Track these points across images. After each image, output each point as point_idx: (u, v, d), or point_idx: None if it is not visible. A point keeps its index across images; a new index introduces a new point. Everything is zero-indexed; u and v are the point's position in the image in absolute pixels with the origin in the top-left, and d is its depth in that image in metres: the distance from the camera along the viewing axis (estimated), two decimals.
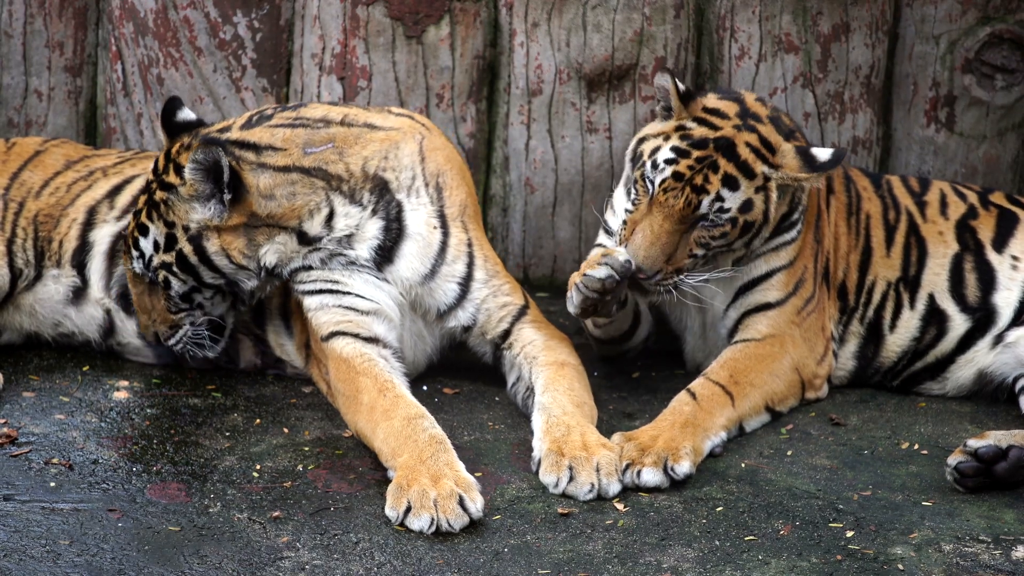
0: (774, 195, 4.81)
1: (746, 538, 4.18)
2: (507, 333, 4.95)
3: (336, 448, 4.64)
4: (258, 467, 4.51)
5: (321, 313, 4.82)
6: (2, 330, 5.21)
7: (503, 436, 4.76)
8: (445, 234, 4.90)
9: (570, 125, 5.89)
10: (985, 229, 5.22)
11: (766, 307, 4.98)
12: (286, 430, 4.76)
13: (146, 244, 4.83)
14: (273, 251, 4.79)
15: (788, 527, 4.23)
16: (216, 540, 4.11)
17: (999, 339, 5.08)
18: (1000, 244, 5.19)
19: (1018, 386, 5.02)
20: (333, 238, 4.81)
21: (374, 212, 4.84)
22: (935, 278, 5.17)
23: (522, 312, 4.97)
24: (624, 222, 4.83)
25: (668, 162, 4.77)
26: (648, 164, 4.81)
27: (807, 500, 4.39)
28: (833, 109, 5.84)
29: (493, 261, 4.97)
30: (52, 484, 4.35)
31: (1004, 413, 5.03)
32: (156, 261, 4.83)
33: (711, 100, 4.93)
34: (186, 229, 4.77)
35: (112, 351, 5.21)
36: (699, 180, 4.74)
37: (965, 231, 5.22)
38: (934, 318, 5.15)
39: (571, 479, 4.39)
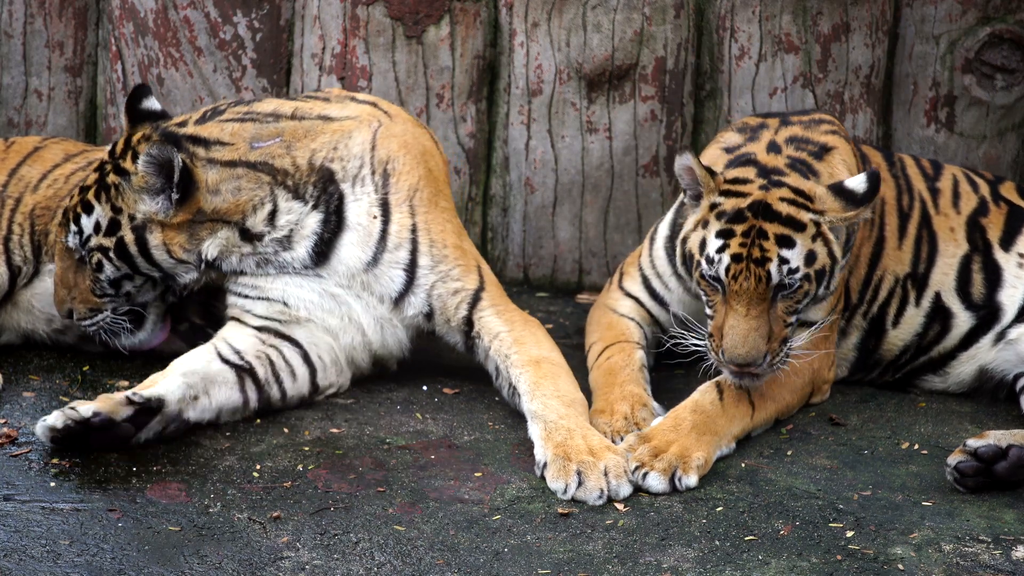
0: (832, 236, 4.66)
1: (746, 538, 4.17)
2: (469, 320, 4.91)
3: (336, 448, 4.64)
4: (258, 467, 4.50)
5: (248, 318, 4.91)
6: (1, 330, 5.20)
7: (503, 436, 4.75)
8: (385, 222, 4.87)
9: (570, 125, 5.89)
10: (994, 228, 5.18)
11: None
12: (286, 430, 4.76)
13: (87, 222, 4.84)
14: (215, 245, 4.81)
15: (788, 527, 4.23)
16: (216, 540, 4.10)
17: (1001, 336, 5.07)
18: (1008, 242, 5.17)
19: (1018, 385, 5.01)
20: (275, 238, 4.83)
21: (315, 206, 4.84)
22: (943, 277, 5.14)
23: (477, 296, 4.91)
24: (710, 334, 4.64)
25: (720, 249, 4.61)
26: (703, 263, 4.65)
27: (807, 500, 4.39)
28: (833, 109, 5.83)
29: (442, 245, 4.90)
30: (52, 484, 4.34)
31: (1004, 412, 5.03)
32: (94, 242, 4.84)
33: (728, 173, 4.78)
34: (132, 218, 4.79)
35: (106, 345, 5.22)
36: (756, 253, 4.58)
37: (975, 230, 5.18)
38: (938, 316, 5.13)
39: (580, 484, 4.37)
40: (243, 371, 4.74)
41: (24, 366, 5.12)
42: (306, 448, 4.64)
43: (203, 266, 4.84)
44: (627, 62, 5.81)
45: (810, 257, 4.62)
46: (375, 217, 4.86)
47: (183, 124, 4.86)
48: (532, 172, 5.96)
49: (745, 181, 4.72)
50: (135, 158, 4.77)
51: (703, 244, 4.67)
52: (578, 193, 5.95)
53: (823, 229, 4.64)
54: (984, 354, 5.10)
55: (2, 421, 4.69)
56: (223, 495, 4.34)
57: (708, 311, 4.70)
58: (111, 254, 4.82)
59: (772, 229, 4.60)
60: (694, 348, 4.73)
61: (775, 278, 4.58)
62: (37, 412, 4.77)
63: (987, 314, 5.11)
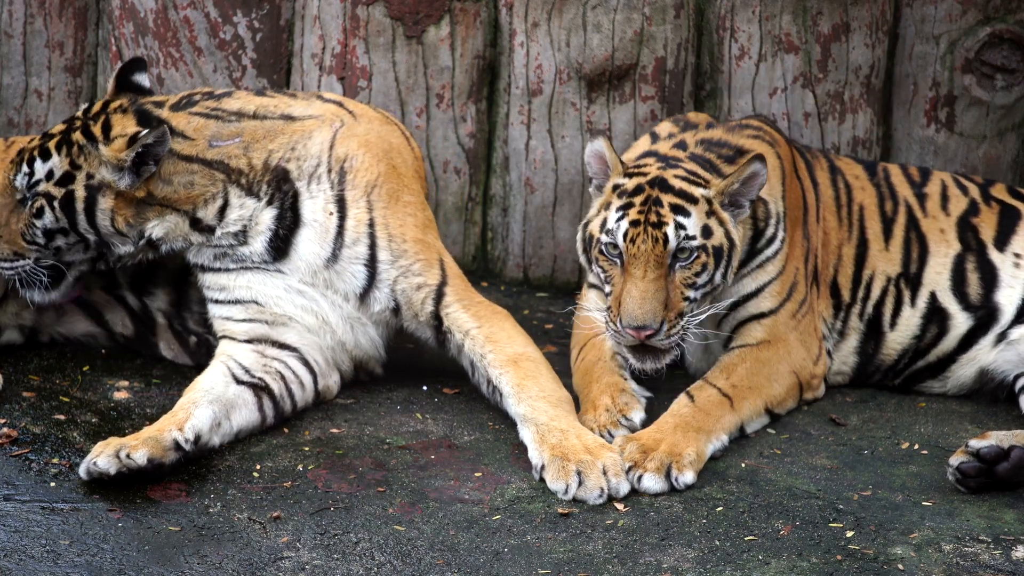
0: (725, 215, 4.77)
1: (746, 538, 4.18)
2: (437, 315, 4.90)
3: (336, 448, 4.64)
4: (258, 467, 4.51)
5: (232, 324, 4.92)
6: (2, 329, 5.20)
7: (503, 436, 4.75)
8: (342, 217, 4.87)
9: (570, 125, 5.89)
10: (987, 227, 5.21)
11: (760, 316, 4.97)
12: (286, 430, 4.76)
13: (40, 167, 4.83)
14: (162, 227, 4.82)
15: (788, 527, 4.23)
16: (216, 540, 4.10)
17: (1002, 336, 5.08)
18: (1002, 242, 5.19)
19: (1018, 385, 5.02)
20: (228, 232, 4.84)
21: (269, 202, 4.86)
22: (937, 277, 5.16)
23: (441, 291, 4.89)
24: (608, 307, 4.74)
25: (619, 219, 4.73)
26: (603, 236, 4.76)
27: (807, 500, 4.39)
28: (833, 109, 5.84)
29: (401, 239, 4.90)
30: (52, 484, 4.35)
31: (1004, 413, 5.03)
32: (42, 188, 4.82)
33: (631, 161, 4.96)
34: (89, 176, 4.78)
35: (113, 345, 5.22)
36: (653, 218, 4.69)
37: (967, 229, 5.21)
38: (936, 316, 5.14)
39: (580, 484, 4.37)
40: (260, 390, 4.73)
41: (24, 366, 5.12)
42: (306, 448, 4.63)
43: (141, 242, 4.84)
44: (627, 62, 5.81)
45: (706, 231, 4.73)
46: (331, 213, 4.87)
47: (160, 105, 4.88)
48: (532, 172, 5.96)
49: (645, 166, 4.88)
50: (105, 129, 4.79)
51: (604, 221, 4.79)
52: (578, 193, 5.95)
53: (715, 207, 4.76)
54: (984, 355, 5.10)
55: (2, 421, 4.69)
56: (223, 495, 4.34)
57: (607, 288, 4.78)
58: (55, 203, 4.80)
59: (667, 199, 4.74)
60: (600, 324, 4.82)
61: (672, 241, 4.68)
62: (37, 412, 4.77)
63: (985, 315, 5.12)
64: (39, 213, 4.82)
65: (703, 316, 4.75)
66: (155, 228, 4.82)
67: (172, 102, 4.90)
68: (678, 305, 4.68)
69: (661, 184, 4.76)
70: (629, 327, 4.63)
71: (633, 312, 4.63)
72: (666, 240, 4.67)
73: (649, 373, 4.78)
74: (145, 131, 4.71)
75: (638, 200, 4.74)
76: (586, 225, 4.88)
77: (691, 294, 4.71)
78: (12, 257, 4.88)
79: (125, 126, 4.79)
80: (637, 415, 4.72)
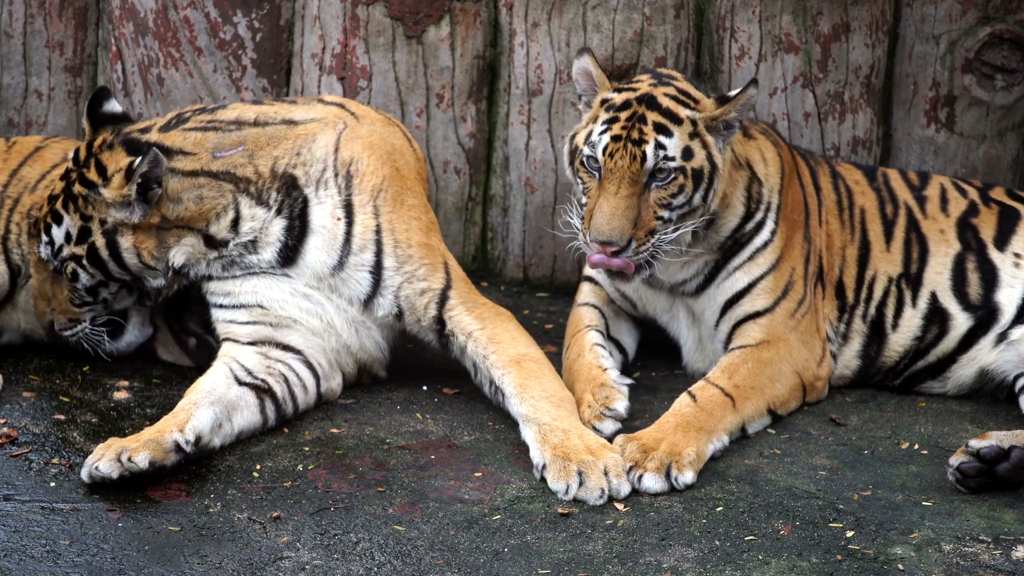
0: (710, 138, 4.79)
1: (746, 538, 4.18)
2: (440, 319, 4.90)
3: (336, 448, 4.64)
4: (258, 467, 4.51)
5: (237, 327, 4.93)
6: (2, 330, 5.21)
7: (503, 436, 4.75)
8: (349, 223, 4.87)
9: (570, 125, 5.88)
10: (987, 227, 5.22)
11: (756, 315, 4.97)
12: (286, 430, 4.76)
13: (58, 233, 4.85)
14: (182, 253, 4.83)
15: (788, 527, 4.23)
16: (216, 540, 4.11)
17: (1003, 337, 5.08)
18: (1002, 242, 5.19)
19: (1018, 385, 5.02)
20: (239, 243, 4.84)
21: (279, 212, 4.85)
22: (937, 277, 5.17)
23: (445, 295, 4.89)
24: (582, 218, 4.79)
25: (602, 132, 4.77)
26: (586, 148, 4.80)
27: (807, 500, 4.39)
28: (833, 109, 5.84)
29: (406, 245, 4.90)
30: (52, 484, 4.35)
31: (1004, 413, 5.03)
32: (66, 252, 4.85)
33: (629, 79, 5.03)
34: (102, 223, 4.79)
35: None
36: (635, 134, 4.73)
37: (967, 230, 5.22)
38: (936, 317, 5.15)
39: (581, 484, 4.37)
40: (262, 391, 4.73)
41: (24, 366, 5.13)
42: (306, 448, 4.64)
43: (170, 273, 4.85)
44: (627, 62, 5.81)
45: (687, 152, 4.76)
46: (339, 219, 4.87)
47: (146, 130, 4.86)
48: (532, 172, 5.96)
49: (638, 81, 4.93)
50: (100, 169, 4.78)
51: (589, 133, 4.83)
52: None
53: (700, 129, 4.79)
54: (984, 356, 5.10)
55: (2, 421, 4.69)
56: (223, 495, 4.34)
57: (583, 200, 4.83)
58: (84, 261, 4.83)
59: (652, 117, 4.77)
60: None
61: (650, 160, 4.72)
62: (37, 412, 4.77)
63: (985, 315, 5.12)
64: (74, 276, 4.87)
65: (675, 235, 4.79)
66: (175, 255, 4.82)
67: (160, 124, 4.88)
68: (649, 224, 4.73)
69: (649, 101, 4.80)
70: (595, 241, 4.69)
71: (601, 227, 4.68)
72: (644, 158, 4.72)
73: (618, 288, 5.03)
74: (137, 160, 4.70)
75: (623, 116, 4.78)
76: (572, 137, 4.92)
77: (665, 214, 4.75)
78: (69, 325, 4.96)
79: (118, 161, 4.78)
80: (620, 404, 4.75)
